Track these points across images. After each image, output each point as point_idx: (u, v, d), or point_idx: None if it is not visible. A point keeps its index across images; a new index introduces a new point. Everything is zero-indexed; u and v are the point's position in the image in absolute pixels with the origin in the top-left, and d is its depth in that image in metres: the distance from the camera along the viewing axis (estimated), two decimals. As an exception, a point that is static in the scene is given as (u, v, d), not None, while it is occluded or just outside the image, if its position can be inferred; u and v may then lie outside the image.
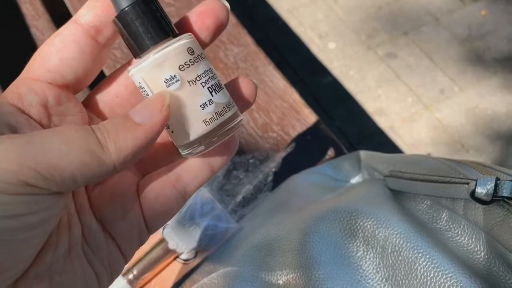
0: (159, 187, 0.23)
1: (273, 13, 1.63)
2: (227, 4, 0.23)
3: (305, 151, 0.49)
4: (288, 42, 1.56)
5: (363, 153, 0.41)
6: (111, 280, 0.23)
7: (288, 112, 0.52)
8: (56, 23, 0.62)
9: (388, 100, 1.42)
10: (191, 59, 0.21)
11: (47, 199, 0.18)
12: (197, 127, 0.22)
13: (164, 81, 0.21)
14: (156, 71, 0.21)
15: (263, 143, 0.50)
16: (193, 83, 0.21)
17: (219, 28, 0.23)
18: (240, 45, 0.57)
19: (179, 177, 0.23)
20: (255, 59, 0.56)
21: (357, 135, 1.37)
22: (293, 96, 0.53)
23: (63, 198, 0.19)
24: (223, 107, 0.22)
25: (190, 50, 0.21)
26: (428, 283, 0.26)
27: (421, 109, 1.40)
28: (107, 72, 0.56)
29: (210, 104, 0.22)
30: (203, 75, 0.22)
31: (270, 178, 0.42)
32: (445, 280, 0.25)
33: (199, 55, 0.22)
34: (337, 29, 1.58)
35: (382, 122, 1.39)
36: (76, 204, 0.22)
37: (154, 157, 0.24)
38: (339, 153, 0.48)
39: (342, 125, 1.38)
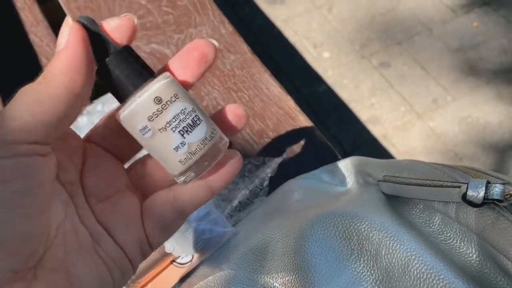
0: (158, 207, 0.25)
1: (268, 22, 1.64)
2: (215, 42, 0.25)
3: (300, 157, 0.49)
4: (283, 51, 1.57)
5: (357, 159, 0.42)
6: (123, 279, 0.24)
7: (283, 118, 0.53)
8: (54, 30, 0.63)
9: (381, 108, 1.44)
10: (158, 109, 0.23)
11: (30, 161, 0.20)
12: (175, 166, 0.24)
13: (139, 131, 0.24)
14: (132, 122, 0.24)
15: (259, 148, 0.51)
16: (163, 130, 0.23)
17: (204, 65, 0.25)
18: (237, 52, 0.58)
19: (177, 198, 0.25)
20: (251, 67, 0.57)
21: (351, 143, 1.39)
22: (289, 103, 0.54)
23: (45, 162, 0.21)
24: (198, 144, 0.24)
25: (157, 99, 0.23)
26: (421, 284, 0.27)
27: (414, 118, 1.42)
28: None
29: (182, 146, 0.24)
30: (173, 120, 0.23)
31: (266, 183, 0.43)
32: (438, 282, 0.26)
33: (168, 100, 0.23)
34: (332, 39, 1.59)
35: (376, 130, 1.40)
36: (79, 216, 0.24)
37: (157, 182, 0.26)
38: (333, 159, 0.49)
39: (336, 133, 1.39)
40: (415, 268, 0.27)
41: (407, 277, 0.28)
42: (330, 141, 0.51)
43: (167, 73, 0.24)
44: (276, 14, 1.65)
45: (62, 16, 0.64)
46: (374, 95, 1.46)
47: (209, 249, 0.40)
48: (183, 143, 0.24)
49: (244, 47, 0.59)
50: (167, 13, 0.62)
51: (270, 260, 0.35)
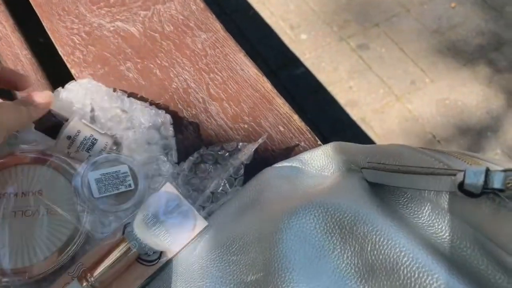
0: None
1: (244, 2, 1.59)
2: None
3: (278, 143, 0.46)
4: (259, 33, 1.53)
5: (338, 144, 0.38)
6: None
7: (259, 102, 0.49)
8: (9, 8, 0.57)
9: (359, 91, 1.41)
10: (69, 142, 0.40)
11: None
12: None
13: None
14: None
15: (234, 134, 0.47)
16: (76, 153, 0.41)
17: None
18: (209, 30, 0.54)
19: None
20: (225, 46, 0.53)
21: (329, 127, 1.36)
22: (265, 85, 0.50)
23: None
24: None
25: (68, 137, 0.40)
26: (412, 284, 0.24)
27: (392, 100, 1.40)
28: (70, 67, 0.52)
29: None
30: (80, 145, 0.40)
31: (241, 171, 0.40)
32: (431, 282, 0.23)
33: (74, 134, 0.40)
34: (309, 20, 1.56)
35: (354, 113, 1.38)
36: None
37: None
38: (313, 144, 0.46)
39: (314, 118, 1.36)
40: (405, 266, 0.25)
41: (396, 276, 0.25)
42: (308, 125, 0.48)
43: (73, 117, 0.40)
44: (252, -6, 1.61)
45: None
46: (352, 78, 1.44)
47: (179, 244, 0.36)
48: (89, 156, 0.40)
49: (217, 25, 0.55)
50: (132, -12, 0.57)
51: (244, 255, 0.32)
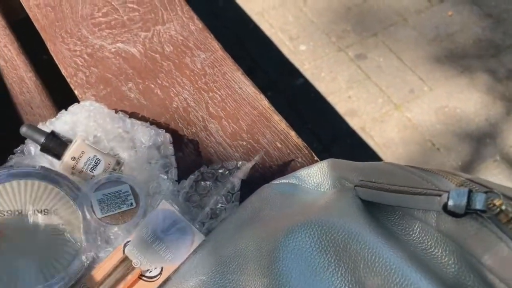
0: None
1: (243, 15, 1.61)
2: None
3: (276, 159, 0.47)
4: (259, 44, 1.55)
5: (333, 161, 0.40)
6: None
7: (257, 119, 0.50)
8: (14, 29, 0.59)
9: (359, 101, 1.43)
10: (74, 163, 0.42)
11: None
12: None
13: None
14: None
15: (233, 151, 0.48)
16: (81, 172, 0.43)
17: None
18: (207, 50, 0.56)
19: None
20: (223, 65, 0.54)
21: (329, 136, 1.37)
22: (263, 102, 0.52)
23: None
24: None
25: (72, 158, 0.41)
26: (402, 300, 0.25)
27: (391, 109, 1.41)
28: (74, 88, 0.54)
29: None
30: (84, 165, 0.42)
31: (237, 187, 0.41)
32: (419, 298, 0.24)
33: (78, 156, 0.41)
34: (308, 31, 1.57)
35: (354, 123, 1.39)
36: None
37: None
38: (310, 160, 0.47)
39: (314, 127, 1.38)
40: (395, 283, 0.26)
41: (387, 292, 0.26)
42: (308, 135, 0.50)
43: (77, 139, 0.41)
44: (251, 7, 1.63)
45: (22, 14, 0.60)
46: (351, 87, 1.45)
47: (179, 259, 0.38)
48: (93, 176, 0.42)
49: (215, 44, 0.56)
50: (132, 9, 0.59)
51: (242, 272, 0.33)
